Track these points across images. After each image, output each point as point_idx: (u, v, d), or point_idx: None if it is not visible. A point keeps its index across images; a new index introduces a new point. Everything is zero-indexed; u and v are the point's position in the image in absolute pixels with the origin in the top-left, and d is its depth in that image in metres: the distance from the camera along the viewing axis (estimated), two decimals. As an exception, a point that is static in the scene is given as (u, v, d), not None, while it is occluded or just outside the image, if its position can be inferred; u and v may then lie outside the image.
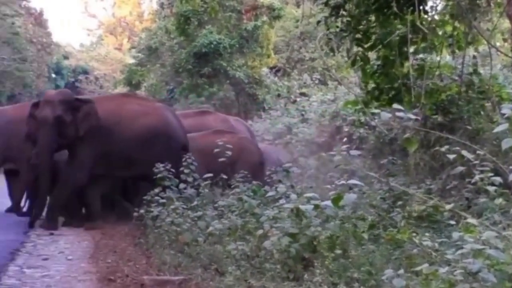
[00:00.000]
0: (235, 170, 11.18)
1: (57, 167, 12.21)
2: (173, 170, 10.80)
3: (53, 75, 45.49)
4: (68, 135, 11.66)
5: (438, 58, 10.05)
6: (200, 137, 13.08)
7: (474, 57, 11.07)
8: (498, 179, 6.24)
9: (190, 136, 12.83)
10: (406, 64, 9.71)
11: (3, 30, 30.47)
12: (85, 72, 48.04)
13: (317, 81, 25.22)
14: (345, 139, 13.71)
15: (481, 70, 10.87)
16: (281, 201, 7.62)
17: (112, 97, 13.44)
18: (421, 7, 9.57)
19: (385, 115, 5.99)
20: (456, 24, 9.91)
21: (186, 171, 10.97)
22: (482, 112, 10.01)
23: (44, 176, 11.88)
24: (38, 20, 40.70)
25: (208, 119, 14.41)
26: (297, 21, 26.96)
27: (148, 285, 6.69)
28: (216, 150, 11.30)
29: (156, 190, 10.44)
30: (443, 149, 7.08)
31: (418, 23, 9.20)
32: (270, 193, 8.49)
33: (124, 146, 11.77)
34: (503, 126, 4.74)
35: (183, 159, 11.17)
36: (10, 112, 14.24)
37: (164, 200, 9.93)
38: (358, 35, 10.22)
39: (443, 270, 4.57)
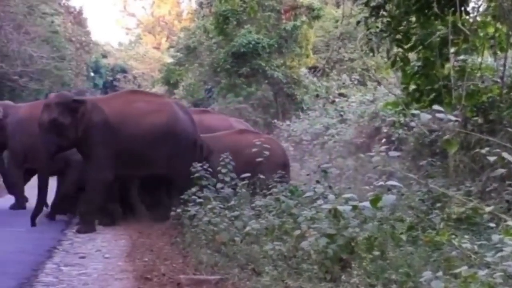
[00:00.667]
0: (259, 170, 11.17)
1: (68, 165, 12.41)
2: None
3: (92, 74, 45.83)
4: (68, 136, 11.63)
5: (479, 60, 9.93)
6: (225, 137, 13.13)
7: (516, 58, 10.93)
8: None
9: (215, 136, 12.86)
10: (447, 65, 9.61)
11: (42, 28, 30.66)
12: (123, 71, 48.36)
13: (356, 82, 25.09)
14: (384, 140, 13.61)
15: (523, 72, 10.74)
16: (319, 202, 7.59)
17: (120, 95, 13.34)
18: (462, 8, 9.48)
19: (425, 116, 5.94)
20: (498, 25, 9.78)
21: (223, 170, 10.98)
22: (523, 114, 9.88)
23: (43, 178, 12.06)
24: (77, 18, 40.96)
25: (207, 118, 14.37)
26: (337, 21, 26.87)
27: (184, 284, 6.68)
28: (250, 149, 11.37)
29: (194, 189, 10.46)
30: (483, 151, 7.02)
31: (459, 24, 9.12)
32: (307, 194, 8.45)
33: (132, 145, 11.70)
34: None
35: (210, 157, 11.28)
36: (23, 110, 14.41)
37: (201, 200, 9.94)
38: (398, 36, 10.15)
39: (482, 272, 4.54)
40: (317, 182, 9.64)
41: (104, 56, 50.09)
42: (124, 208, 12.70)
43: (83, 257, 8.73)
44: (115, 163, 11.57)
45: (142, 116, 11.82)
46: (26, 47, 28.76)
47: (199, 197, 10.03)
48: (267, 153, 11.16)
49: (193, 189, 10.42)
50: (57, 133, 11.56)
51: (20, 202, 14.13)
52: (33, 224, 11.43)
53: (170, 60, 31.91)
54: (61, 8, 37.39)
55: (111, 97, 13.21)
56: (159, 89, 36.12)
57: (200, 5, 30.16)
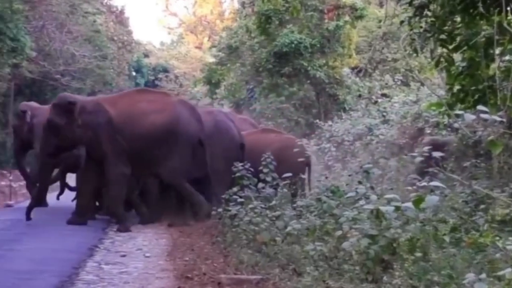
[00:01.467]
0: (279, 169, 11.18)
1: (78, 162, 12.57)
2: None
3: (133, 73, 46.12)
4: (67, 136, 12.03)
5: (525, 60, 9.79)
6: (247, 136, 13.51)
7: None
8: None
9: None
10: (492, 65, 9.48)
11: (84, 27, 30.87)
12: (165, 70, 48.53)
13: (399, 82, 24.91)
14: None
15: None
16: (361, 202, 7.55)
17: (126, 94, 13.52)
18: (508, 8, 9.34)
19: (469, 117, 5.87)
20: (545, 25, 9.63)
21: (265, 170, 11.00)
22: None
23: (42, 175, 12.50)
24: (119, 18, 41.17)
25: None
26: (380, 21, 26.68)
27: (225, 283, 6.69)
28: (270, 148, 11.53)
29: (235, 189, 10.48)
30: (528, 152, 6.93)
31: (505, 24, 8.98)
32: (349, 194, 8.41)
33: (135, 144, 11.92)
34: None
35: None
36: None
37: (242, 199, 9.95)
38: (443, 36, 10.03)
39: (526, 275, 4.47)
40: (359, 182, 9.58)
41: (146, 56, 50.32)
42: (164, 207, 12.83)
43: (124, 256, 8.83)
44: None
45: (144, 115, 12.01)
46: (68, 46, 28.99)
47: (240, 197, 10.03)
48: (309, 154, 11.14)
49: (234, 189, 10.45)
50: (54, 133, 11.83)
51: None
52: (28, 218, 11.97)
53: (212, 59, 31.92)
54: (103, 7, 37.61)
55: (117, 96, 13.35)
56: (201, 88, 36.22)
57: (242, 4, 30.17)
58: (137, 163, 12.04)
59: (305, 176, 13.25)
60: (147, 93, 13.39)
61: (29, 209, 12.29)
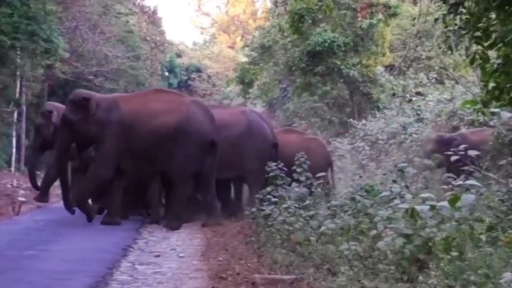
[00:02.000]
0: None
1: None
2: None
3: (166, 73, 46.31)
4: (80, 132, 12.21)
5: (562, 57, 9.67)
6: None
7: None
8: None
9: None
10: (528, 63, 9.39)
11: (117, 28, 31.09)
12: (198, 70, 48.65)
13: (433, 80, 24.73)
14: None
15: None
16: (396, 201, 7.54)
17: (141, 94, 13.69)
18: (545, 4, 9.23)
19: (505, 114, 5.83)
20: None
21: (298, 170, 11.00)
22: None
23: (58, 170, 12.87)
24: (152, 18, 41.40)
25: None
26: (414, 19, 26.53)
27: (259, 283, 6.69)
28: (291, 148, 11.71)
29: (268, 189, 10.49)
30: None
31: (541, 21, 8.88)
32: (384, 193, 8.37)
33: (144, 143, 12.05)
34: None
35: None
36: None
37: (276, 199, 9.94)
38: (478, 33, 9.92)
39: None
40: (394, 181, 9.55)
41: (179, 56, 50.50)
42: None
43: (157, 256, 8.85)
44: (130, 160, 12.08)
45: (154, 115, 12.10)
46: (101, 47, 29.25)
47: (274, 196, 10.03)
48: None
49: (268, 188, 10.46)
50: (69, 129, 12.06)
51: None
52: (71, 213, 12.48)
53: (244, 59, 31.88)
54: (136, 7, 37.86)
55: (133, 95, 13.58)
56: (234, 88, 36.24)
57: (275, 3, 30.14)
58: (146, 161, 12.22)
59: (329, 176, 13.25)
60: (162, 93, 13.41)
61: (69, 208, 12.52)
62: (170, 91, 13.91)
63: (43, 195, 14.48)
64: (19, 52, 21.77)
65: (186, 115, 12.28)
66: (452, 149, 13.76)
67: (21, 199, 13.74)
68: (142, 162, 12.21)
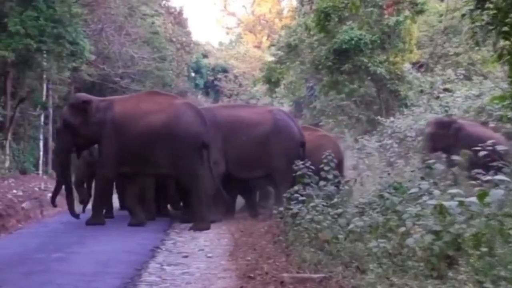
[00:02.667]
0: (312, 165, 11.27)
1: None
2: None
3: (193, 74, 46.45)
4: (81, 135, 12.53)
5: None
6: None
7: None
8: None
9: None
10: (556, 57, 9.31)
11: (143, 29, 31.20)
12: (224, 70, 48.70)
13: (461, 76, 24.54)
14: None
15: None
16: (424, 198, 7.53)
17: (135, 96, 13.92)
18: None
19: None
20: None
21: (326, 168, 11.00)
22: None
23: (60, 172, 13.05)
24: (178, 19, 41.50)
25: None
26: (441, 15, 26.37)
27: (288, 282, 6.67)
28: None
29: (296, 187, 10.49)
30: None
31: None
32: (412, 190, 8.35)
33: (135, 144, 12.19)
34: None
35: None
36: None
37: (303, 198, 9.94)
38: (505, 28, 9.85)
39: None
40: (422, 178, 9.52)
41: (205, 56, 50.63)
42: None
43: (186, 257, 8.88)
44: (121, 161, 12.24)
45: (143, 116, 12.26)
46: (127, 49, 29.37)
47: (302, 195, 10.03)
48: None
49: (296, 187, 10.46)
50: (70, 132, 12.41)
51: None
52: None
53: (271, 58, 31.79)
54: (161, 9, 37.97)
55: (128, 97, 13.76)
56: (260, 88, 36.24)
57: (301, 2, 30.10)
58: (139, 162, 12.33)
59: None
60: (155, 95, 13.48)
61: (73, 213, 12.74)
62: (164, 93, 13.97)
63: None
64: (45, 55, 21.90)
65: (175, 116, 12.36)
66: (449, 133, 13.98)
67: (24, 205, 13.74)
68: (136, 163, 12.33)
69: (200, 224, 11.92)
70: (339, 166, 13.01)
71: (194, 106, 13.40)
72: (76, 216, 12.59)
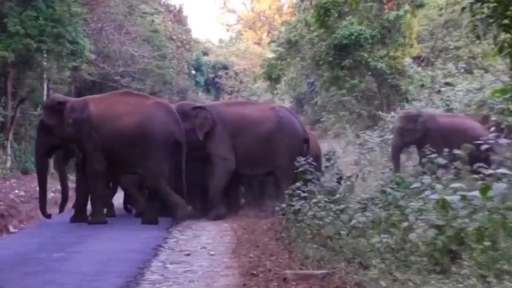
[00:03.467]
0: None
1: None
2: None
3: (193, 72, 46.55)
4: (58, 136, 12.48)
5: None
6: None
7: None
8: None
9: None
10: (557, 50, 9.30)
11: (143, 28, 31.25)
12: (225, 67, 48.85)
13: (462, 70, 24.54)
14: (492, 129, 13.37)
15: None
16: (426, 193, 7.56)
17: (108, 95, 13.82)
18: None
19: (536, 102, 5.77)
20: None
21: (327, 164, 11.01)
22: None
23: (38, 172, 13.10)
24: (178, 17, 41.55)
25: None
26: (441, 9, 26.39)
27: (290, 279, 6.67)
28: None
29: (298, 184, 10.48)
30: None
31: None
32: (414, 185, 8.37)
33: (110, 145, 12.24)
34: None
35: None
36: None
37: (306, 194, 9.94)
38: (506, 21, 9.84)
39: None
40: (424, 173, 9.53)
41: (205, 54, 50.74)
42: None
43: (188, 255, 8.86)
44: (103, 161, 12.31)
45: (118, 117, 12.34)
46: (127, 47, 29.43)
47: (304, 192, 10.03)
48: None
49: (298, 184, 10.46)
50: (47, 134, 12.48)
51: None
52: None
53: (271, 55, 31.84)
54: (161, 7, 38.03)
55: (102, 97, 13.60)
56: (261, 84, 36.31)
57: (301, -2, 30.12)
58: (114, 162, 12.41)
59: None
60: (128, 95, 13.49)
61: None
62: (137, 94, 14.02)
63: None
64: (45, 55, 21.97)
65: (147, 116, 12.42)
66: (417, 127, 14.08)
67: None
68: (110, 162, 12.41)
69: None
70: (317, 161, 13.03)
71: (166, 105, 13.40)
72: (48, 216, 12.60)
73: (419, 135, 14.37)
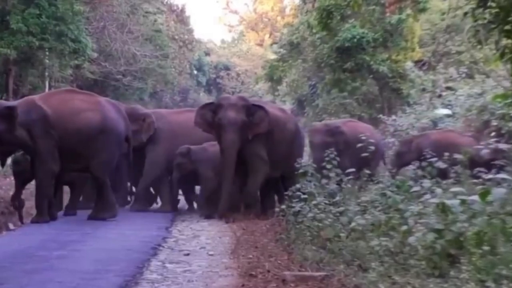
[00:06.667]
0: None
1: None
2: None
3: (195, 72, 46.53)
4: (11, 140, 12.24)
5: None
6: None
7: None
8: None
9: None
10: (558, 57, 9.33)
11: (145, 27, 31.25)
12: (227, 68, 48.94)
13: (463, 75, 24.60)
14: (493, 134, 13.43)
15: None
16: (426, 196, 7.57)
17: (56, 93, 14.22)
18: None
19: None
20: None
21: (328, 166, 10.99)
22: None
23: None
24: (180, 17, 41.59)
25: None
26: (443, 13, 26.39)
27: (289, 280, 6.68)
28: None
29: (298, 186, 10.52)
30: None
31: None
32: (414, 188, 8.40)
33: (67, 141, 12.29)
34: None
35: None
36: None
37: (305, 196, 9.97)
38: (508, 27, 9.88)
39: None
40: (424, 176, 9.56)
41: (207, 54, 50.80)
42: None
43: (187, 255, 8.88)
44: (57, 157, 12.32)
45: (76, 113, 12.50)
46: (129, 46, 29.41)
47: (304, 193, 10.07)
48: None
49: (298, 185, 10.49)
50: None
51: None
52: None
53: (273, 56, 31.91)
54: (163, 6, 38.05)
55: (47, 95, 13.93)
56: (263, 85, 36.38)
57: (303, 0, 30.13)
58: (69, 158, 12.42)
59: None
60: (75, 92, 13.76)
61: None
62: (83, 92, 14.19)
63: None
64: (47, 53, 21.98)
65: (104, 113, 12.70)
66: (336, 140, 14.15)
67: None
68: (65, 158, 12.42)
69: (106, 212, 12.57)
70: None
71: (114, 103, 13.81)
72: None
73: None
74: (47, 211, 12.38)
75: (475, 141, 13.86)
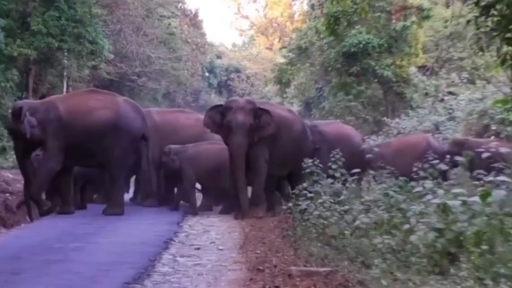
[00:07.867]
0: None
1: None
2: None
3: (207, 74, 46.74)
4: (28, 139, 12.53)
5: None
6: None
7: None
8: None
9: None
10: (559, 64, 9.48)
11: (160, 30, 31.45)
12: (237, 71, 49.02)
13: (465, 80, 24.67)
14: (492, 138, 13.56)
15: None
16: (428, 197, 7.67)
17: (77, 93, 14.84)
18: None
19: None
20: None
21: (333, 166, 11.11)
22: None
23: (24, 175, 13.05)
24: (193, 21, 41.76)
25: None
26: (446, 21, 26.42)
27: (295, 275, 6.78)
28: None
29: (305, 184, 10.64)
30: None
31: None
32: (417, 189, 8.52)
33: (81, 139, 12.58)
34: None
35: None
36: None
37: (312, 194, 10.12)
38: (509, 35, 10.04)
39: None
40: (425, 177, 9.68)
41: (219, 57, 51.02)
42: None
43: (198, 249, 9.01)
44: (70, 155, 12.66)
45: (90, 112, 12.83)
46: (144, 49, 29.67)
47: (310, 192, 10.19)
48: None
49: (304, 184, 10.60)
50: (17, 139, 12.81)
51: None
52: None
53: (282, 60, 32.01)
54: (177, 11, 38.17)
55: (69, 95, 14.63)
56: (272, 88, 36.50)
57: (312, 6, 30.20)
58: (85, 154, 12.76)
59: None
60: (96, 93, 14.02)
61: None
62: (104, 92, 14.39)
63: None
64: (66, 54, 22.34)
65: (118, 112, 12.97)
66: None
67: None
68: (81, 157, 12.80)
69: (113, 209, 12.74)
70: None
71: (134, 103, 14.05)
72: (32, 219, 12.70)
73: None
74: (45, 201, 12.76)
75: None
